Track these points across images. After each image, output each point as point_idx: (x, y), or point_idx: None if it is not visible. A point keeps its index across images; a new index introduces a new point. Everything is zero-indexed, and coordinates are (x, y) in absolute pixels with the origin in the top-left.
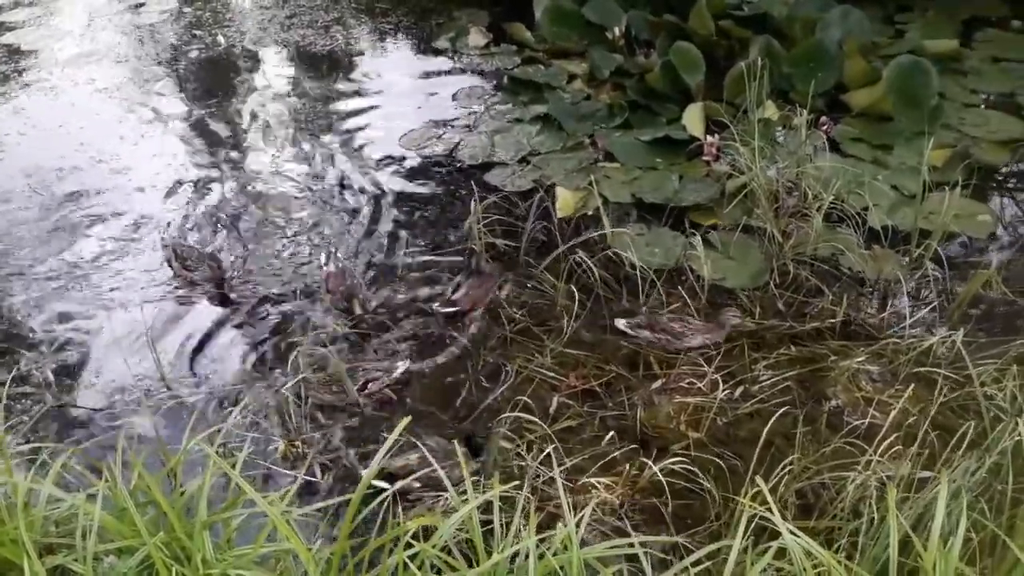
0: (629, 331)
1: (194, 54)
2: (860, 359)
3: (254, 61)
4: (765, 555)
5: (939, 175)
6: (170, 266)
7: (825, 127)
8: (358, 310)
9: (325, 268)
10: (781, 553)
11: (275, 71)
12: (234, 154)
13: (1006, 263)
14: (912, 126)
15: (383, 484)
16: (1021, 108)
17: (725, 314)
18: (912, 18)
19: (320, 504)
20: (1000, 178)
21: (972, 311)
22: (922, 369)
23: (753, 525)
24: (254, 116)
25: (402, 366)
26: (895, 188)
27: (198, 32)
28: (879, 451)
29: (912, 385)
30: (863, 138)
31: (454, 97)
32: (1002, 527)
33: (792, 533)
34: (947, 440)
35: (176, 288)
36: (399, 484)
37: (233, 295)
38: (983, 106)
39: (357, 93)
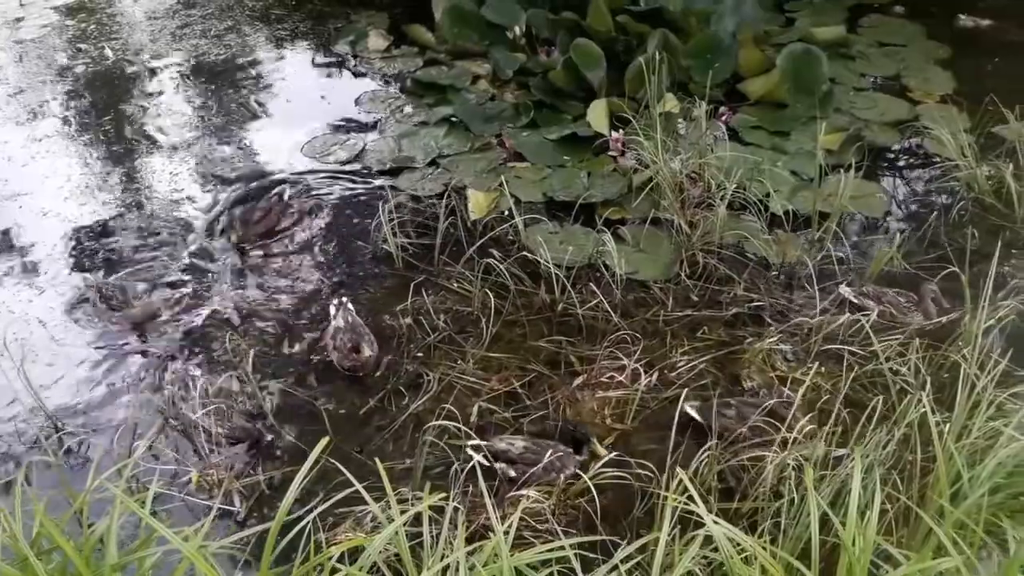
0: (854, 299)
1: (80, 69)
2: (772, 340)
3: (146, 74)
4: (692, 545)
5: (834, 158)
6: (94, 305)
7: (724, 117)
8: (367, 353)
9: (333, 323)
10: (709, 540)
11: (169, 84)
12: (131, 174)
13: (904, 239)
14: (806, 112)
15: (474, 454)
16: (907, 90)
17: (927, 289)
18: (801, 6)
19: (239, 534)
20: (891, 157)
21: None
22: (832, 347)
23: (678, 513)
24: (149, 132)
25: None
26: (794, 173)
27: (83, 46)
28: (795, 430)
29: (822, 363)
30: (761, 126)
31: (357, 102)
32: (913, 498)
33: (717, 519)
34: (858, 416)
35: (98, 327)
36: (497, 465)
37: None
38: (871, 89)
39: (255, 103)
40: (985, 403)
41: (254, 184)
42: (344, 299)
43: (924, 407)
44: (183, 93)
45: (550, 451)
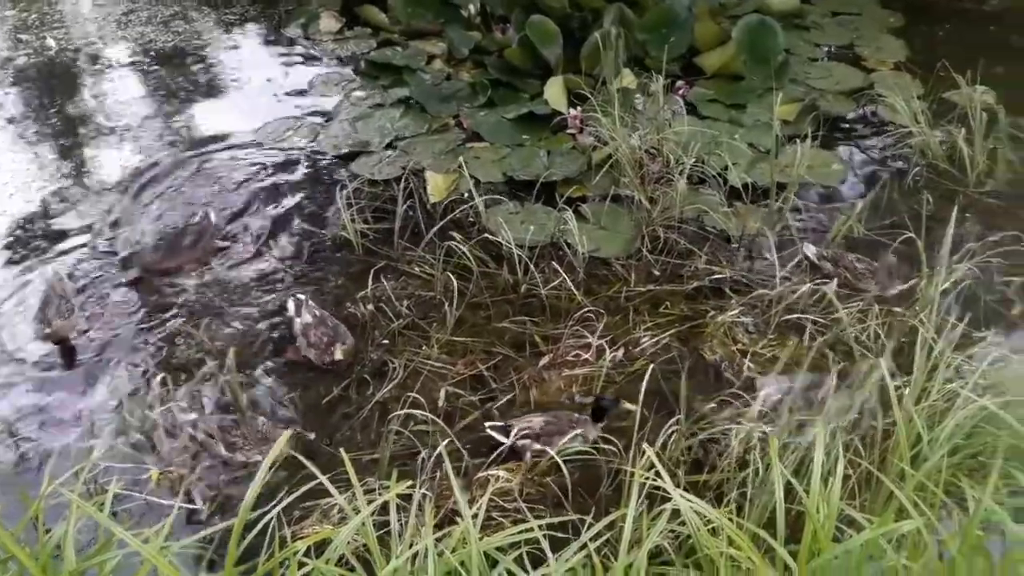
0: (815, 260)
1: (22, 61)
2: (734, 313)
3: (91, 64)
4: (659, 520)
5: (791, 129)
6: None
7: (681, 91)
8: (339, 356)
9: (299, 320)
10: (677, 514)
11: (116, 73)
12: (80, 168)
13: (862, 207)
14: (762, 83)
15: (501, 437)
16: (860, 58)
17: (886, 260)
18: None
19: (202, 533)
20: (846, 126)
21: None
22: (793, 316)
23: (647, 489)
24: (98, 124)
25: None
26: (751, 145)
27: (24, 36)
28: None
29: (784, 334)
30: (718, 99)
31: (310, 86)
32: (875, 462)
33: (684, 493)
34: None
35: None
36: (520, 442)
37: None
38: (826, 59)
39: (206, 90)
40: (943, 366)
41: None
42: (301, 296)
43: (883, 372)
44: (130, 83)
45: (567, 420)
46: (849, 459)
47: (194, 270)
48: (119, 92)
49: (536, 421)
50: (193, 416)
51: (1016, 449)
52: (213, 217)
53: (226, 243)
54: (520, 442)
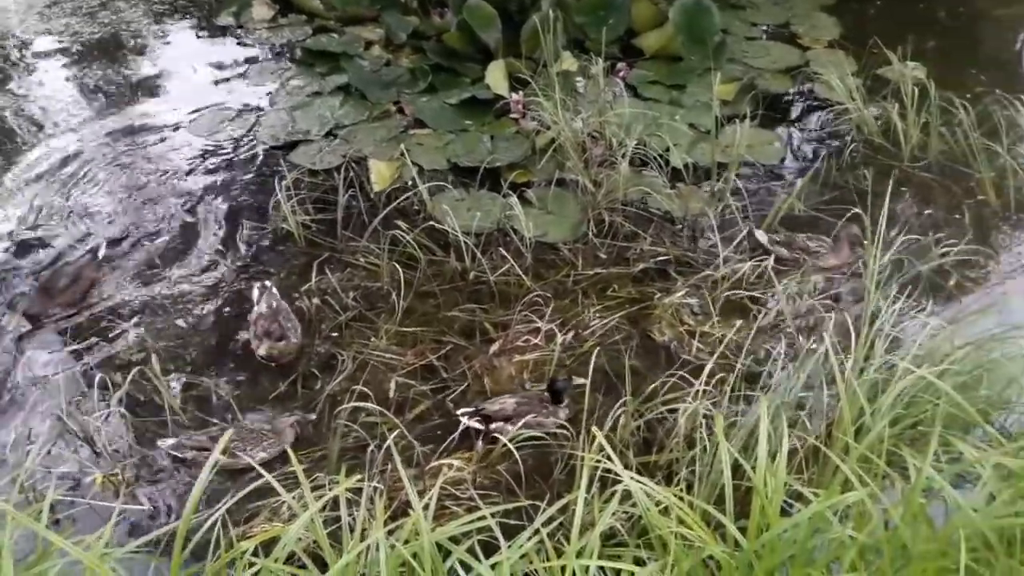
0: (768, 245)
1: None
2: (680, 294)
3: (15, 58)
4: (611, 502)
5: (730, 108)
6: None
7: (621, 73)
8: (293, 341)
9: (256, 308)
10: (629, 495)
11: (42, 67)
12: (5, 167)
13: (802, 185)
14: (701, 63)
15: (476, 424)
16: (796, 36)
17: (845, 231)
18: None
19: (145, 537)
20: (784, 105)
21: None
22: (737, 293)
23: (599, 472)
24: (24, 121)
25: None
26: (692, 126)
27: None
28: (704, 380)
29: (729, 314)
30: (658, 80)
31: (245, 76)
32: (820, 437)
33: (634, 475)
34: (765, 362)
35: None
36: (493, 426)
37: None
38: (763, 38)
39: (136, 82)
40: (883, 338)
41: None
42: (267, 283)
43: (826, 347)
44: (56, 76)
45: (539, 399)
46: (795, 435)
47: (67, 315)
48: (45, 86)
49: (509, 403)
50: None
51: (953, 417)
52: (102, 251)
53: (104, 276)
54: (494, 425)
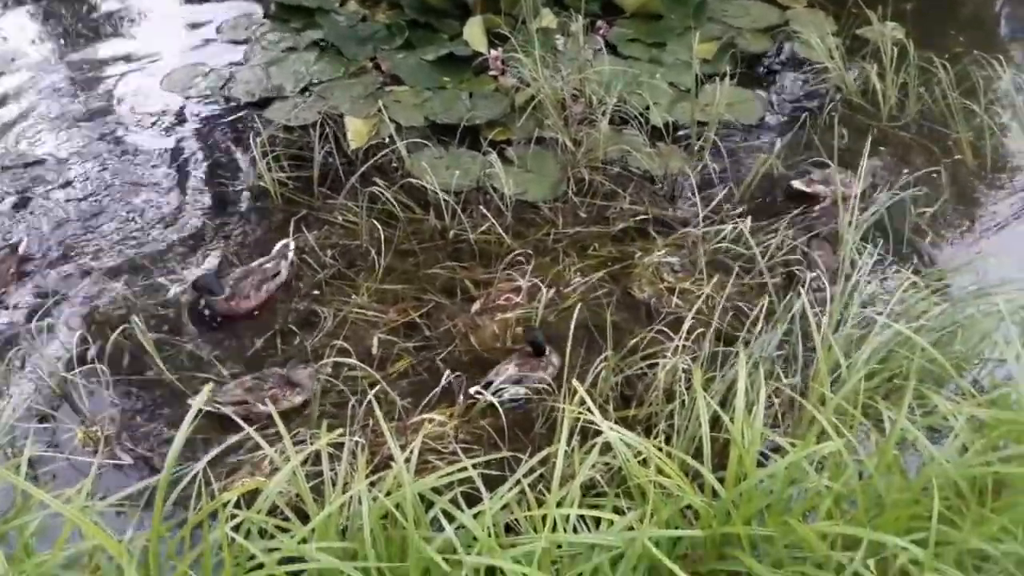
0: (807, 189)
1: None
2: (661, 253)
3: None
4: (591, 453)
5: (710, 67)
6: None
7: (602, 31)
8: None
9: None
10: (608, 447)
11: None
12: None
13: (781, 144)
14: (681, 22)
15: (490, 397)
16: None
17: (868, 162)
18: None
19: (126, 490)
20: (764, 65)
21: (758, 191)
22: (719, 251)
23: (580, 425)
24: None
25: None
26: (672, 85)
27: None
28: (684, 336)
29: (709, 271)
30: (638, 38)
31: (218, 30)
32: (797, 389)
33: (614, 426)
34: (744, 319)
35: None
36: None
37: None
38: None
39: (106, 36)
40: (859, 293)
41: None
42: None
43: (804, 302)
44: (22, 28)
45: (536, 360)
46: (773, 388)
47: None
48: (10, 40)
49: (511, 369)
50: None
51: (928, 372)
52: (23, 247)
53: (32, 267)
54: (507, 395)
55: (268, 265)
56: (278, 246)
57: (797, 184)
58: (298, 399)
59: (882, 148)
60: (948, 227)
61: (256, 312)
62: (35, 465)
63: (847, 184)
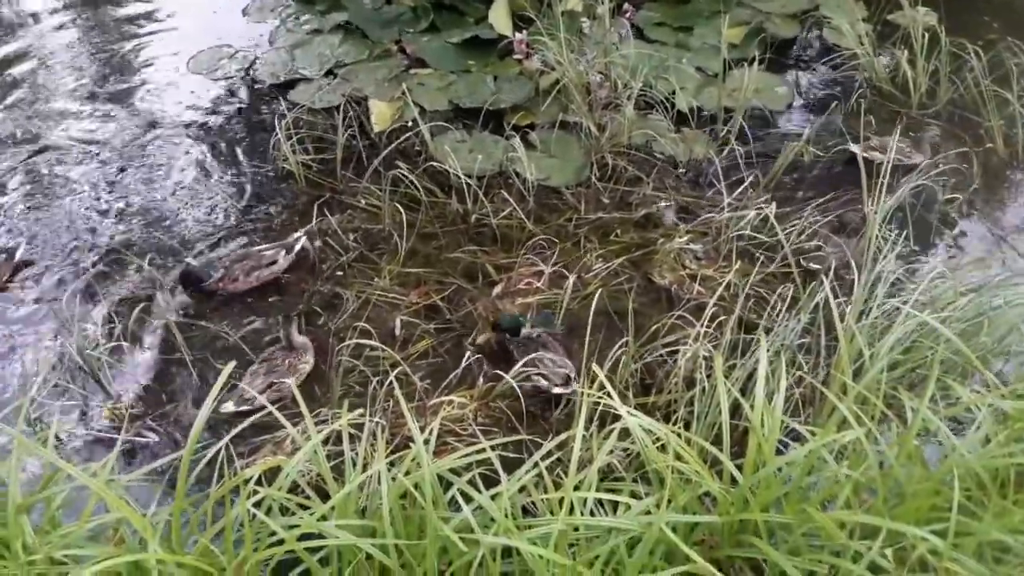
0: (863, 154)
1: None
2: (683, 239)
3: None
4: (609, 438)
5: (738, 52)
6: None
7: (628, 14)
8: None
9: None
10: (627, 433)
11: (35, 6)
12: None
13: (812, 131)
14: (709, 6)
15: (558, 388)
16: None
17: (926, 133)
18: None
19: (151, 465)
20: (793, 50)
21: (785, 179)
22: (742, 239)
23: (598, 410)
24: (23, 60)
25: None
26: (699, 69)
27: None
28: (706, 323)
29: (733, 258)
30: (665, 22)
31: (244, 12)
32: (819, 378)
33: (633, 411)
34: (766, 307)
35: None
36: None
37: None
38: None
39: (132, 19)
40: (883, 283)
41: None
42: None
43: (827, 291)
44: (55, 15)
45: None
46: (795, 376)
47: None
48: (44, 25)
49: (555, 358)
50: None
51: (952, 364)
52: (20, 253)
53: (14, 283)
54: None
55: (267, 252)
56: (291, 237)
57: (854, 148)
58: (309, 360)
59: (911, 135)
60: (977, 216)
61: (249, 298)
62: (63, 441)
63: (906, 154)
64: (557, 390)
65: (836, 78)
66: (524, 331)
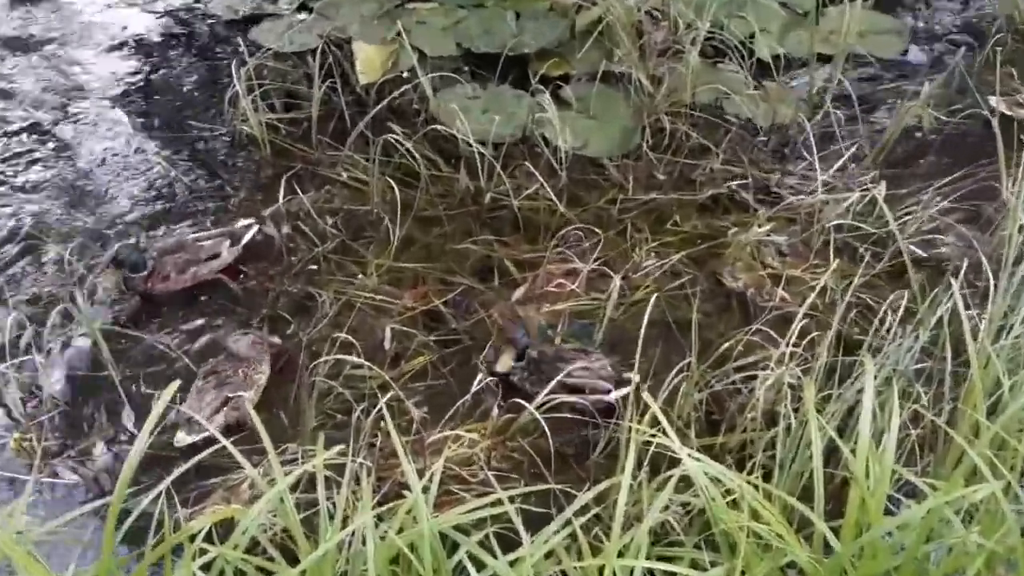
0: (1007, 111)
1: None
2: (763, 229)
3: None
4: (664, 489)
5: None
6: None
7: None
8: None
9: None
10: (686, 483)
11: None
12: None
13: (932, 88)
14: None
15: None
16: None
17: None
18: None
19: (70, 514)
20: None
21: (899, 150)
22: (840, 231)
23: (650, 451)
24: None
25: None
26: (784, 5)
27: None
28: (793, 341)
29: (829, 255)
30: None
31: None
32: (942, 414)
33: (695, 453)
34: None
35: None
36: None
37: None
38: None
39: None
40: None
41: None
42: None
43: (955, 298)
44: None
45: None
46: (910, 412)
47: None
48: None
49: (587, 365)
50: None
51: None
52: None
53: None
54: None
55: (205, 244)
56: (239, 223)
57: (993, 101)
58: (265, 369)
59: None
60: None
61: (198, 299)
62: None
63: None
64: (614, 394)
65: (966, 20)
66: (530, 351)
